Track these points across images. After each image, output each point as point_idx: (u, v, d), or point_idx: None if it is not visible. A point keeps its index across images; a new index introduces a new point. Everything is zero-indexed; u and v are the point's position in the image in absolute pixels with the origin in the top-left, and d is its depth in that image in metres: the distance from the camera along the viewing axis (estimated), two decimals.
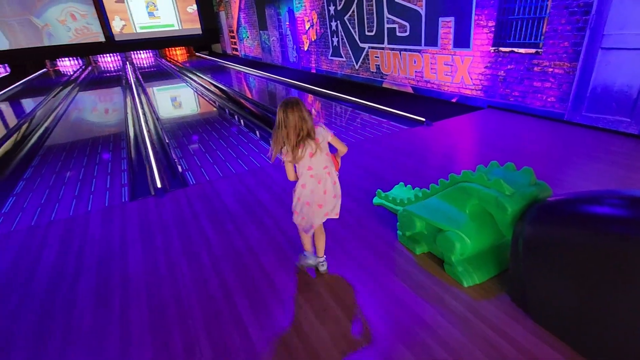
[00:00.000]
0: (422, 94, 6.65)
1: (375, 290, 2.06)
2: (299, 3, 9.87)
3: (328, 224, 2.73)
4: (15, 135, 6.19)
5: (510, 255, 1.82)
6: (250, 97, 8.17)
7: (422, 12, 6.06)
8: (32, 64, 15.84)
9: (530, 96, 4.89)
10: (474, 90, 5.64)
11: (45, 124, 6.81)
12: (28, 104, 9.20)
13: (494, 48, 5.14)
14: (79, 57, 16.96)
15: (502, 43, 5.06)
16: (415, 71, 6.66)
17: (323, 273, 2.22)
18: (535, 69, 4.71)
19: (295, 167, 1.99)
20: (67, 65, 16.90)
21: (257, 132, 5.35)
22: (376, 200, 2.99)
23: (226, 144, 4.93)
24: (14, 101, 9.78)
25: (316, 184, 1.99)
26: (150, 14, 17.13)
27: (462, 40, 5.54)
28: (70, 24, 15.53)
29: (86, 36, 15.99)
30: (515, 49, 4.88)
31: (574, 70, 4.29)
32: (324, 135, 1.96)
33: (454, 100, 6.03)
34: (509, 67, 5.04)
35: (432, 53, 6.16)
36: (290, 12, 10.50)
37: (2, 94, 10.66)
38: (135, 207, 3.24)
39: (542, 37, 4.59)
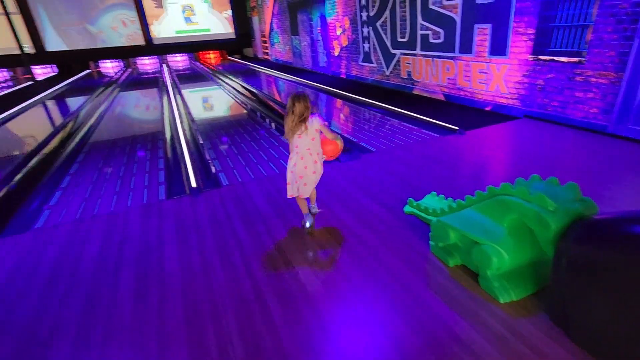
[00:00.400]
0: (455, 102, 6.52)
1: (407, 300, 2.04)
2: (332, 9, 9.96)
3: (359, 230, 2.74)
4: (62, 133, 6.59)
5: (552, 273, 1.76)
6: (280, 100, 8.31)
7: (458, 19, 5.97)
8: (78, 65, 16.85)
9: (570, 107, 4.70)
10: (510, 99, 5.48)
11: (89, 123, 7.22)
12: (73, 102, 9.78)
13: (533, 56, 4.98)
14: (120, 59, 17.84)
15: (542, 51, 4.89)
16: (448, 78, 6.55)
17: (314, 213, 2.96)
18: (578, 78, 4.52)
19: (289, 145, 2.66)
20: (109, 66, 17.81)
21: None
22: (407, 208, 2.96)
23: (257, 146, 5.04)
24: (60, 100, 10.42)
25: (299, 159, 2.58)
26: (187, 19, 17.80)
27: (498, 47, 5.41)
28: (121, 30, 16.55)
29: (136, 41, 16.91)
30: (556, 58, 4.71)
31: (619, 80, 4.08)
32: (314, 123, 2.55)
33: (487, 108, 5.88)
34: (548, 76, 4.86)
35: (466, 60, 6.04)
36: (323, 17, 10.61)
37: (50, 93, 11.40)
38: (171, 206, 3.37)
39: (586, 46, 4.41)
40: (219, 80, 11.76)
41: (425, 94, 7.26)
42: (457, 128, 4.84)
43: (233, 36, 18.74)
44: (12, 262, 2.66)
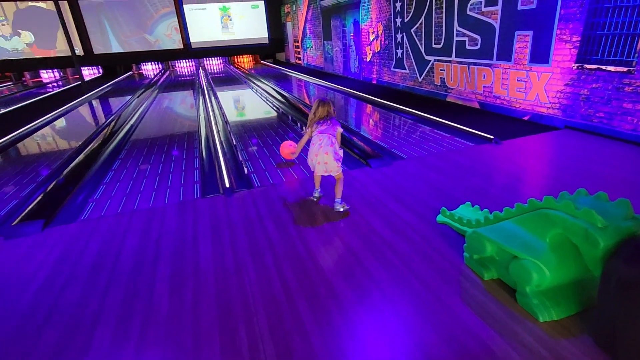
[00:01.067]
0: (490, 110, 6.33)
1: (439, 310, 2.00)
2: (365, 15, 9.98)
3: (390, 237, 2.72)
4: (105, 130, 6.98)
5: (599, 294, 1.67)
6: (310, 104, 8.39)
7: (497, 26, 5.81)
8: (121, 67, 17.84)
9: (618, 118, 4.44)
10: (551, 108, 5.26)
11: (131, 122, 7.60)
12: (116, 102, 10.33)
13: (577, 65, 4.76)
14: (159, 62, 18.70)
15: (588, 60, 4.67)
16: (484, 86, 6.38)
17: (337, 210, 3.16)
18: (627, 89, 4.27)
19: (310, 141, 3.20)
20: (149, 69, 18.70)
21: None
22: (440, 218, 2.91)
23: None
24: (104, 99, 11.05)
25: (318, 142, 3.10)
26: (224, 26, 18.40)
27: (540, 55, 5.21)
28: (175, 36, 17.61)
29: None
30: (603, 67, 4.47)
31: None
32: (338, 128, 3.15)
33: (526, 118, 5.67)
34: (594, 85, 4.63)
35: (504, 68, 5.86)
36: (356, 23, 10.64)
37: (95, 92, 12.11)
38: (206, 204, 3.48)
39: (636, 55, 4.16)
40: (252, 84, 12.05)
41: (459, 102, 7.10)
42: (492, 137, 4.70)
43: (266, 41, 19.18)
44: (59, 251, 2.84)
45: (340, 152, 3.17)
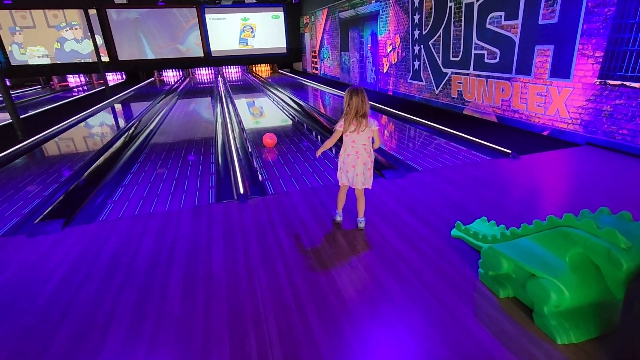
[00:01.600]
0: (508, 124, 6.25)
1: (452, 326, 1.96)
2: (384, 27, 10.05)
3: (404, 250, 2.69)
4: (126, 134, 7.19)
5: (621, 318, 1.60)
6: (325, 113, 8.45)
7: (516, 40, 5.76)
8: (144, 73, 18.42)
9: None
10: (571, 124, 5.15)
11: (151, 126, 7.80)
12: (137, 107, 10.64)
13: (599, 80, 4.66)
14: (180, 69, 19.21)
15: (611, 75, 4.57)
16: (502, 100, 6.31)
17: (361, 229, 2.97)
18: None
19: (343, 138, 2.78)
20: (170, 76, 19.22)
21: (333, 149, 5.49)
22: (455, 232, 2.86)
23: (303, 157, 5.15)
24: (126, 104, 11.39)
25: (354, 153, 2.76)
26: (244, 35, 18.83)
27: (561, 70, 5.13)
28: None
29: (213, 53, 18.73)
30: (627, 83, 4.37)
31: None
32: (372, 124, 2.76)
33: (545, 133, 5.56)
34: (617, 102, 4.52)
35: (523, 82, 5.79)
36: (374, 35, 10.73)
37: (118, 97, 12.51)
38: (220, 209, 3.52)
39: None
40: (269, 92, 12.23)
41: (476, 115, 7.03)
42: (510, 152, 4.62)
43: (285, 51, 19.50)
44: (78, 250, 2.92)
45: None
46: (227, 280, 2.44)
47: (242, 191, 3.86)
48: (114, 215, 3.59)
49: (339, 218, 3.10)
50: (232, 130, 6.80)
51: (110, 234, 3.15)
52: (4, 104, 7.26)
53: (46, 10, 16.02)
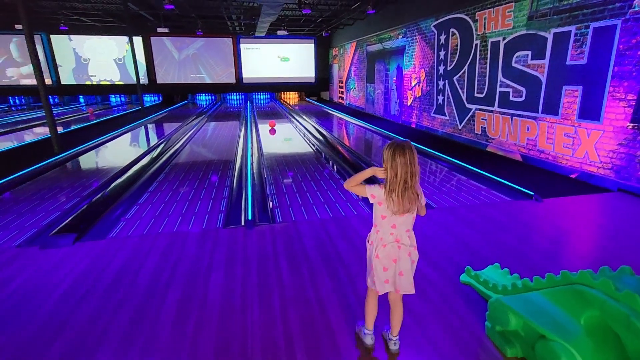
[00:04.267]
0: (533, 164, 6.00)
1: None
2: (409, 61, 10.17)
3: (407, 295, 2.54)
4: (153, 152, 7.48)
5: None
6: (346, 144, 8.48)
7: (543, 79, 5.63)
8: (179, 96, 19.47)
9: None
10: (602, 168, 4.86)
11: (176, 146, 8.10)
12: (168, 127, 11.13)
13: (633, 124, 4.42)
14: (213, 94, 20.17)
15: None
16: (528, 139, 6.10)
17: (394, 353, 2.01)
18: None
19: (376, 215, 1.85)
20: (203, 99, 20.16)
21: None
22: (464, 277, 2.69)
23: (316, 186, 5.12)
24: (159, 124, 11.96)
25: (394, 242, 1.81)
26: (275, 64, 19.65)
27: (590, 111, 4.93)
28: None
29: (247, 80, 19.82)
30: None
31: None
32: (421, 196, 1.80)
33: (573, 176, 5.28)
34: None
35: (550, 122, 5.59)
36: (399, 69, 10.86)
37: (152, 117, 13.18)
38: (226, 234, 3.51)
39: None
40: (293, 120, 12.50)
41: (500, 153, 6.82)
42: (533, 194, 4.39)
43: (313, 80, 20.11)
44: (84, 266, 2.96)
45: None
46: (220, 310, 2.38)
47: (250, 217, 3.85)
48: (124, 232, 3.66)
49: (369, 340, 2.03)
50: (252, 155, 6.93)
51: (117, 251, 3.19)
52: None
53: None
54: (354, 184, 1.86)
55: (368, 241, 1.92)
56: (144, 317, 2.31)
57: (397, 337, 2.02)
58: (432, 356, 2.00)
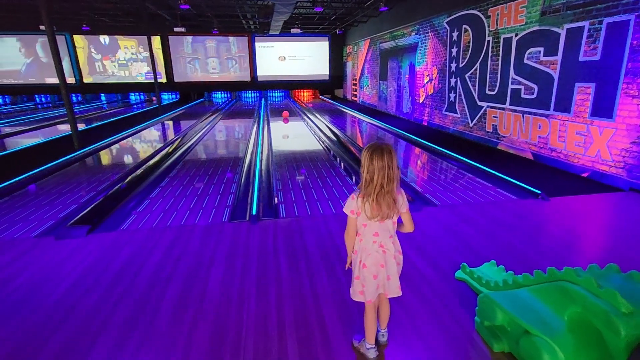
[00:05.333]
0: (544, 163, 5.88)
1: None
2: (422, 59, 10.08)
3: (402, 289, 2.58)
4: (168, 148, 7.71)
5: None
6: (356, 142, 8.50)
7: (555, 76, 5.51)
8: (195, 94, 19.87)
9: None
10: (614, 167, 4.74)
11: (189, 143, 8.31)
12: (184, 124, 11.41)
13: None
14: (228, 92, 20.49)
15: None
16: (539, 137, 5.98)
17: (383, 344, 2.06)
18: None
19: (358, 226, 1.81)
20: (219, 97, 20.51)
21: (353, 178, 5.49)
22: (459, 274, 2.70)
23: (322, 183, 5.18)
24: (176, 121, 12.27)
25: (379, 249, 1.78)
26: (289, 62, 19.77)
27: (603, 109, 4.80)
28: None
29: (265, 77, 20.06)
30: None
31: None
32: (403, 203, 1.77)
33: (584, 175, 5.16)
34: None
35: (562, 120, 5.47)
36: (412, 66, 10.77)
37: (169, 114, 13.52)
38: (230, 229, 3.62)
39: None
40: (305, 117, 12.58)
41: (511, 151, 6.70)
42: (539, 192, 4.32)
43: (327, 78, 20.14)
44: (94, 257, 3.12)
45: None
46: (218, 302, 2.48)
47: (254, 212, 3.95)
48: (135, 225, 3.83)
49: (373, 354, 1.95)
50: (261, 152, 7.05)
51: (125, 244, 3.35)
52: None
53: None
54: (351, 247, 1.88)
55: (352, 251, 1.89)
56: (143, 310, 2.40)
57: (386, 329, 2.07)
58: (418, 347, 2.04)
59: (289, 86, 20.26)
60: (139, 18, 15.04)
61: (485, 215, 3.87)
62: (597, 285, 1.59)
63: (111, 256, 3.13)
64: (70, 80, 17.57)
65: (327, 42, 19.67)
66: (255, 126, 10.62)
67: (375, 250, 1.79)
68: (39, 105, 18.32)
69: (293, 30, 15.82)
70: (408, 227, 1.87)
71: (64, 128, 10.59)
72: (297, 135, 9.94)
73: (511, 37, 6.42)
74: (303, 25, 16.56)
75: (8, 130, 10.68)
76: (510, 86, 6.55)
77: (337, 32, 18.33)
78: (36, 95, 19.01)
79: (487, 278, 2.42)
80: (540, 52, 5.78)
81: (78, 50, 17.84)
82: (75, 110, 8.45)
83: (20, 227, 3.81)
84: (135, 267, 2.95)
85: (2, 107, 17.49)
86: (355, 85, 17.56)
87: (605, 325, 1.51)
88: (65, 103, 7.62)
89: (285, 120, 10.49)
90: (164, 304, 2.47)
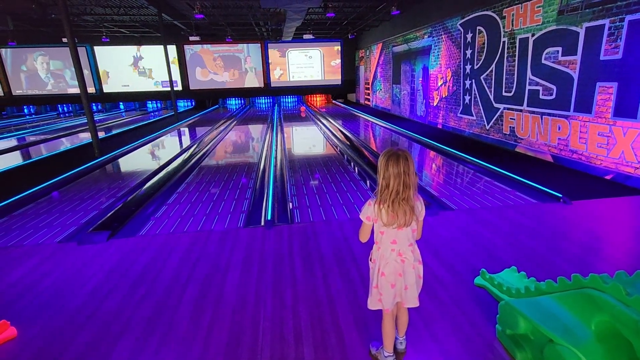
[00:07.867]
0: (565, 165, 5.72)
1: None
2: (435, 61, 10.00)
3: (420, 295, 2.54)
4: (184, 155, 7.85)
5: None
6: (370, 146, 8.46)
7: (575, 76, 5.37)
8: (210, 101, 20.22)
9: None
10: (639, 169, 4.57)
11: (204, 150, 8.44)
12: (199, 131, 11.61)
13: None
14: (242, 98, 20.77)
15: None
16: (559, 138, 5.82)
17: (401, 352, 2.02)
18: None
19: (375, 233, 1.79)
20: (233, 103, 20.81)
21: (367, 182, 5.46)
22: (478, 280, 2.64)
23: (336, 188, 5.17)
24: (192, 128, 12.49)
25: (397, 257, 1.76)
26: (301, 67, 19.92)
27: (626, 109, 4.64)
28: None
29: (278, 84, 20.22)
30: None
31: None
32: (421, 210, 1.76)
33: (608, 177, 4.99)
34: None
35: (583, 120, 5.32)
36: (425, 69, 10.69)
37: (184, 122, 13.78)
38: (245, 234, 3.65)
39: None
40: (319, 122, 12.62)
41: (529, 153, 6.55)
42: (560, 196, 4.20)
43: (339, 82, 20.19)
44: (114, 262, 3.20)
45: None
46: (234, 306, 2.50)
47: (269, 217, 3.97)
48: (153, 230, 3.90)
49: None
50: (276, 157, 7.10)
51: (144, 249, 3.41)
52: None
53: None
54: (363, 235, 1.84)
55: (370, 260, 1.87)
56: (163, 312, 2.45)
57: (404, 337, 2.03)
58: (436, 354, 2.00)
59: (301, 91, 20.39)
60: (156, 29, 15.46)
61: (505, 219, 3.78)
62: (626, 293, 1.53)
63: (131, 261, 3.19)
64: (91, 90, 18.15)
65: (340, 47, 19.74)
66: (269, 131, 10.71)
67: (393, 259, 1.78)
68: (62, 115, 18.97)
69: (305, 36, 15.95)
70: (416, 234, 1.85)
71: (85, 136, 10.92)
72: (311, 139, 9.97)
73: (528, 38, 6.30)
74: (315, 31, 16.68)
75: (33, 139, 11.09)
76: (527, 87, 6.41)
77: (349, 37, 18.38)
78: (59, 105, 19.69)
79: (507, 285, 2.35)
80: (558, 52, 5.65)
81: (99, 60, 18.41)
82: (95, 119, 8.70)
83: (44, 232, 3.93)
84: (154, 271, 3.00)
85: (28, 117, 18.17)
86: (368, 89, 17.54)
87: (635, 334, 1.45)
88: (86, 112, 7.86)
89: (303, 114, 10.57)
90: (182, 307, 2.50)
